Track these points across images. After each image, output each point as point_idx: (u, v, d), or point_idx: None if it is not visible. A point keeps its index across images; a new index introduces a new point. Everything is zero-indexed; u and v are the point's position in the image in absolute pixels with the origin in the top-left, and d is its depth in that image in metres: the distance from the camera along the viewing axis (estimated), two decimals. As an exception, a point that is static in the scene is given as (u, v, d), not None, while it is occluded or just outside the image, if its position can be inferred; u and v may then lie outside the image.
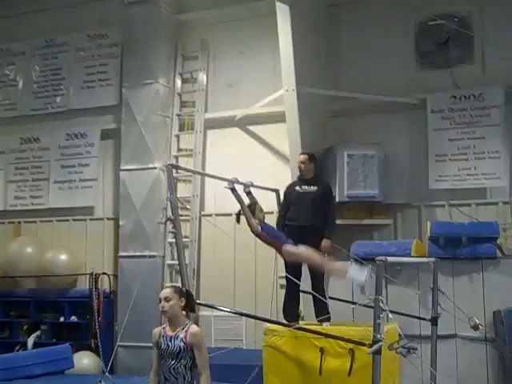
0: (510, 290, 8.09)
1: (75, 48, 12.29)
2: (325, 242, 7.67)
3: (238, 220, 7.46)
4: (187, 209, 10.69)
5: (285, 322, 7.45)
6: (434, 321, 7.37)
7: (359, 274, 6.62)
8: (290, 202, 8.00)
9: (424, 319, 7.61)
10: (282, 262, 8.73)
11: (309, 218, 7.70)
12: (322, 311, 7.46)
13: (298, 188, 7.98)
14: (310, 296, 7.72)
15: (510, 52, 9.37)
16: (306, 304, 8.08)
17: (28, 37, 12.62)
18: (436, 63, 9.88)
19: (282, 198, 8.32)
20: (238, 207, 7.50)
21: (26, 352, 10.38)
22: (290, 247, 7.13)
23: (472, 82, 9.62)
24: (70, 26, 12.21)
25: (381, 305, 5.50)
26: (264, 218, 7.40)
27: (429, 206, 9.68)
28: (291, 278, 7.48)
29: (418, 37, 10.04)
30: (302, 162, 8.02)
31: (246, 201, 7.46)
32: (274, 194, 9.09)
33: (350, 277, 6.72)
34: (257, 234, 7.37)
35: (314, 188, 7.87)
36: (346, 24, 10.47)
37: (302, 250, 7.08)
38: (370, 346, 5.53)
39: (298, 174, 8.15)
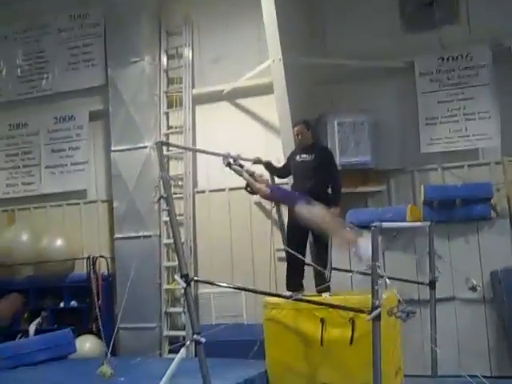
0: (506, 249, 8.13)
1: (57, 29, 12.09)
2: (333, 210, 7.50)
3: (250, 192, 7.68)
4: (180, 186, 10.64)
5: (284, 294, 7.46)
6: (432, 285, 7.42)
7: (368, 247, 6.18)
8: (288, 165, 8.03)
9: (422, 283, 7.65)
10: (279, 234, 8.81)
11: (309, 187, 7.61)
12: (322, 281, 7.46)
13: (297, 157, 7.96)
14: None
15: (495, 10, 9.24)
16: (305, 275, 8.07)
17: (9, 21, 12.39)
18: (422, 25, 9.69)
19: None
20: (236, 180, 7.65)
21: (28, 339, 10.38)
22: (303, 208, 7.05)
23: (459, 42, 9.50)
24: (51, 7, 12.01)
25: (378, 271, 5.51)
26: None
27: (422, 170, 9.60)
28: (291, 251, 7.51)
29: (402, -2, 9.93)
30: (300, 132, 7.97)
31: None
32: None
33: (359, 250, 6.60)
34: (267, 197, 7.48)
35: (311, 156, 7.82)
36: (329, -10, 10.34)
37: (317, 212, 7.00)
38: (370, 312, 5.56)
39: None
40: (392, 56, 9.73)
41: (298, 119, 8.39)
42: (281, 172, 8.41)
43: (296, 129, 8.07)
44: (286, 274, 7.82)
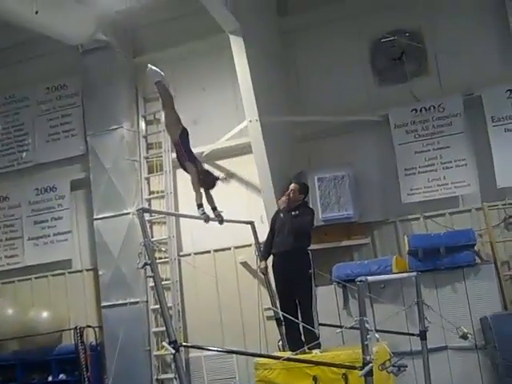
0: (494, 295, 8.15)
1: (36, 102, 12.23)
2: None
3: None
4: (165, 251, 10.61)
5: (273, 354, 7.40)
6: (422, 335, 7.35)
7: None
8: (274, 228, 7.99)
9: (413, 335, 7.59)
10: (266, 293, 8.77)
11: (290, 242, 7.66)
12: (311, 338, 7.41)
13: (281, 214, 7.96)
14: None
15: (463, 60, 9.50)
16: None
17: (-13, 95, 12.55)
18: (393, 79, 9.96)
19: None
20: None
21: (18, 416, 10.18)
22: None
23: (430, 93, 9.73)
24: (29, 80, 12.16)
25: (366, 326, 5.48)
26: None
27: (404, 221, 9.70)
28: (286, 315, 7.55)
29: (373, 54, 10.16)
30: (294, 190, 7.91)
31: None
32: (249, 226, 9.10)
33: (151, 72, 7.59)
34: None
35: (296, 213, 7.83)
36: (300, 49, 10.56)
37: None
38: (361, 368, 5.50)
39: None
40: (367, 110, 9.93)
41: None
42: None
43: (291, 186, 7.99)
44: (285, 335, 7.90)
